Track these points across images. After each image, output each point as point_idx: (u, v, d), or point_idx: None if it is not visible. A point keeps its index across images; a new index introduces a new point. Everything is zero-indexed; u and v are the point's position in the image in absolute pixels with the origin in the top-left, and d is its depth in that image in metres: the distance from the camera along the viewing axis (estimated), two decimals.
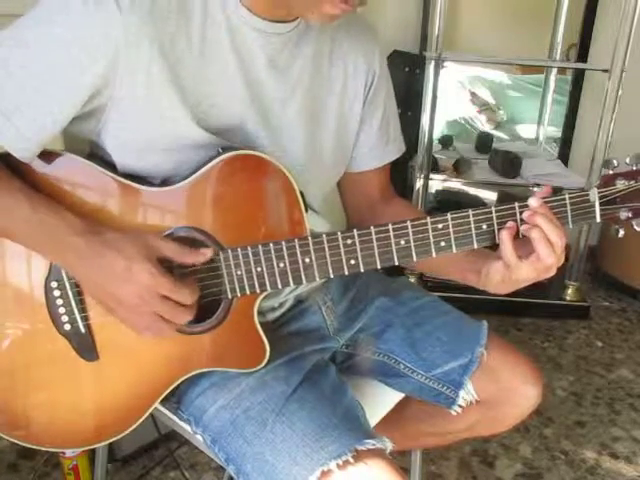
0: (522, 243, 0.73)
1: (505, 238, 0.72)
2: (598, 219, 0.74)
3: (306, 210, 0.75)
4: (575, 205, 0.73)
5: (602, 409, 1.76)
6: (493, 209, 0.73)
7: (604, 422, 1.70)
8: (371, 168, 0.96)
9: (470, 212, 0.73)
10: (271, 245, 0.73)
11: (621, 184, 0.72)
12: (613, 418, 1.72)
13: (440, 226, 0.73)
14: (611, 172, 0.74)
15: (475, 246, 0.74)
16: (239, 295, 0.75)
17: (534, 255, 0.72)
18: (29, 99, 0.68)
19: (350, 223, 1.00)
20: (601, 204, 0.73)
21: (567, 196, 0.73)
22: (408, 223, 0.73)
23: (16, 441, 0.80)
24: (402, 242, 0.73)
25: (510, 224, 0.73)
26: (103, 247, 0.69)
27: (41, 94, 0.68)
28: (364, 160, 0.95)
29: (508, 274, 0.74)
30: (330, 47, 0.85)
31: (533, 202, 0.72)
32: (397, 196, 1.01)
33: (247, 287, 0.75)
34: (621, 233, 0.75)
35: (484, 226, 0.73)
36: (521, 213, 0.73)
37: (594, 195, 0.73)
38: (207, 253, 0.72)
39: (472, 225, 0.73)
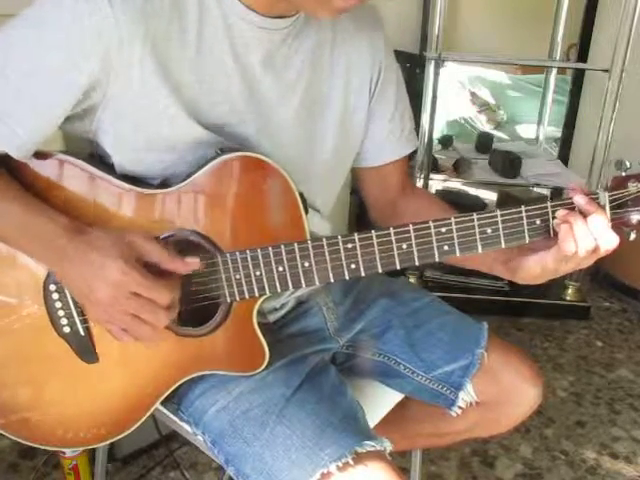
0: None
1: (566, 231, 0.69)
2: None
3: (306, 212, 0.74)
4: None
5: (602, 409, 1.76)
6: (498, 212, 0.71)
7: (604, 422, 1.70)
8: (386, 162, 0.94)
9: (475, 216, 0.71)
10: (270, 249, 0.72)
11: (633, 187, 0.69)
12: (613, 418, 1.72)
13: (444, 230, 0.71)
14: (623, 174, 0.70)
15: (480, 250, 0.72)
16: (238, 299, 0.75)
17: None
18: (22, 100, 0.68)
19: (372, 219, 0.99)
20: (611, 207, 0.70)
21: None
22: (410, 227, 0.71)
23: (17, 439, 0.80)
24: (404, 246, 0.71)
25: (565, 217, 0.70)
26: (86, 246, 0.67)
27: (34, 94, 0.68)
28: (378, 154, 0.93)
29: (554, 266, 0.72)
30: (332, 35, 0.83)
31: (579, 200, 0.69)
32: (419, 189, 0.98)
33: (246, 291, 0.74)
34: (632, 237, 0.72)
35: (489, 230, 0.71)
36: (554, 212, 0.71)
37: (604, 198, 0.70)
38: (192, 264, 0.70)
39: (476, 230, 0.71)
